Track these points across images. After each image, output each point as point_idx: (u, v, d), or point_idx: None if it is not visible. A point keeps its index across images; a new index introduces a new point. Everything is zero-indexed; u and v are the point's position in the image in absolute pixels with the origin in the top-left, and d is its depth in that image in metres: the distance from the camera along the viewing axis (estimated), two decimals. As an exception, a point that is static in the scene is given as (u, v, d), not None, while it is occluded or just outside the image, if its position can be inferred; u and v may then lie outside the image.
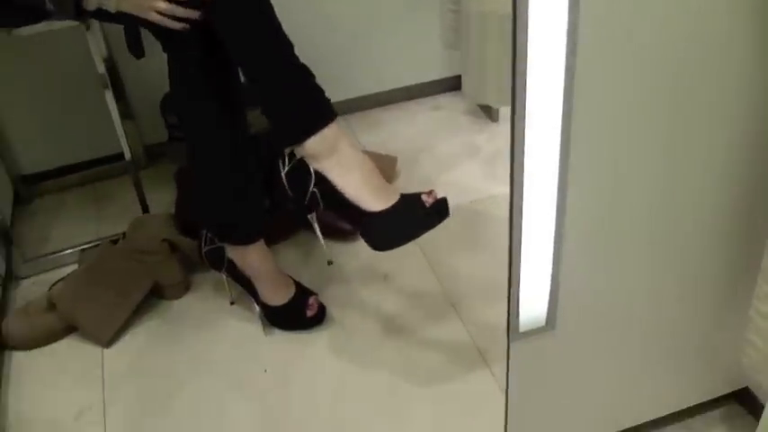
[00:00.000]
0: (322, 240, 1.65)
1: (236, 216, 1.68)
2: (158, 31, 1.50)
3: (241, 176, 1.64)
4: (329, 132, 1.42)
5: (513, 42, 0.91)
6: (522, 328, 1.17)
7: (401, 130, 2.44)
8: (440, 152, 2.31)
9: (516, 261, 1.09)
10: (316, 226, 1.58)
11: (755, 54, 1.02)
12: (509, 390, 1.25)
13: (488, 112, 2.46)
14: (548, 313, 1.17)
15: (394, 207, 1.43)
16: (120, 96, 2.11)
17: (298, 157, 1.46)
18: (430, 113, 2.53)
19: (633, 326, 1.29)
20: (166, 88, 2.12)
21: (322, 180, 1.44)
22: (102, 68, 1.90)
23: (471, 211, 2.02)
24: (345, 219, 1.44)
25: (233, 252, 1.70)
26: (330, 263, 1.74)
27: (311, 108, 1.44)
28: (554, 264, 1.13)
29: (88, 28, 1.82)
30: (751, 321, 1.29)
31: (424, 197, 1.43)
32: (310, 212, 1.51)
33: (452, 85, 2.60)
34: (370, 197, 1.43)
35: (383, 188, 1.45)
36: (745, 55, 1.02)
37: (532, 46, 0.92)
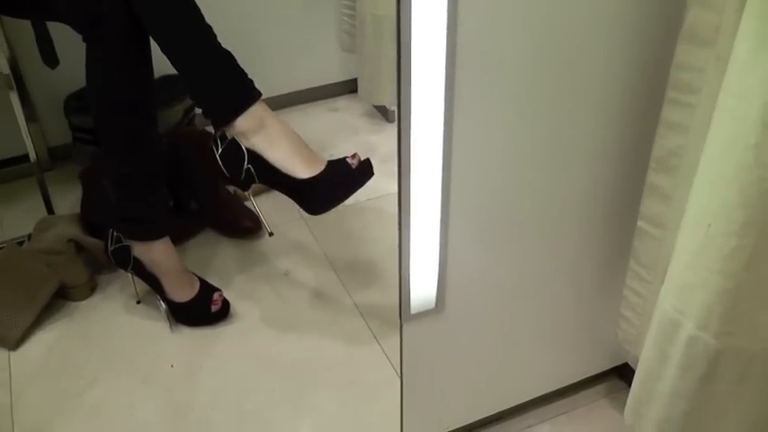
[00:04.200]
0: (260, 214, 1.75)
1: (145, 211, 1.72)
2: (83, 22, 1.54)
3: (151, 171, 1.70)
4: (256, 109, 1.53)
5: (397, 43, 0.99)
6: (413, 311, 1.25)
7: (299, 132, 2.42)
8: (338, 153, 2.29)
9: (406, 248, 1.17)
10: (252, 200, 1.68)
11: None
12: (403, 371, 1.32)
13: (384, 114, 2.54)
14: (437, 296, 1.26)
15: (323, 173, 1.54)
16: (24, 98, 2.10)
17: (229, 137, 1.54)
18: (327, 115, 2.60)
19: (517, 307, 1.38)
20: (70, 90, 2.16)
21: (254, 156, 1.54)
22: (6, 69, 1.91)
23: (367, 209, 2.10)
24: (279, 189, 1.55)
25: (139, 250, 1.74)
26: (271, 234, 1.83)
27: (238, 89, 1.54)
28: (441, 249, 1.21)
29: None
30: (624, 298, 1.40)
31: (349, 160, 1.56)
32: (247, 188, 1.60)
33: (350, 87, 2.66)
34: (301, 166, 1.54)
35: (311, 157, 1.56)
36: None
37: (416, 47, 1.00)
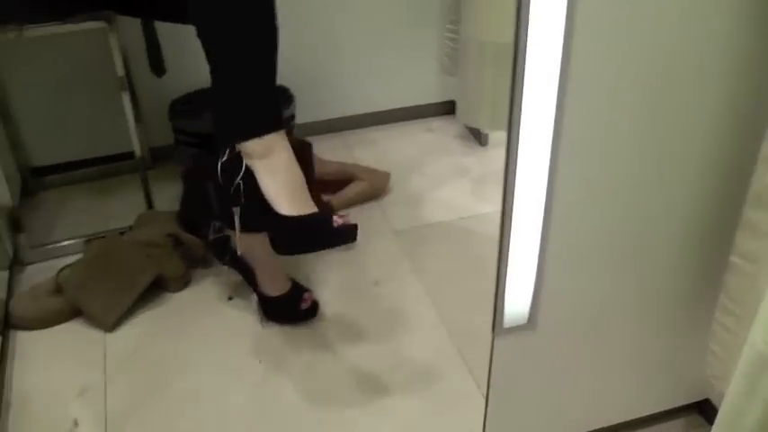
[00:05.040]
0: (237, 234, 1.72)
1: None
2: None
3: None
4: (270, 138, 1.48)
5: (512, 73, 1.04)
6: (505, 325, 1.28)
7: (395, 149, 2.56)
8: (430, 171, 2.43)
9: (504, 264, 1.21)
10: (237, 219, 1.64)
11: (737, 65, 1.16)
12: (490, 384, 1.35)
13: (478, 137, 2.59)
14: (530, 313, 1.29)
15: (303, 217, 1.50)
16: (134, 100, 2.19)
17: (237, 150, 1.51)
18: (423, 135, 2.66)
19: (606, 332, 1.40)
20: (175, 94, 2.25)
21: (249, 175, 1.50)
22: (122, 71, 2.00)
23: (458, 228, 2.13)
24: (262, 222, 1.55)
25: (239, 240, 1.75)
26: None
27: (264, 114, 1.50)
28: (537, 269, 1.24)
29: (113, 29, 1.92)
30: (713, 334, 1.40)
31: (335, 218, 1.51)
32: (234, 205, 1.58)
33: (446, 109, 2.72)
34: (286, 201, 1.49)
35: (302, 199, 1.52)
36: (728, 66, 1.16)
37: (529, 78, 1.04)
